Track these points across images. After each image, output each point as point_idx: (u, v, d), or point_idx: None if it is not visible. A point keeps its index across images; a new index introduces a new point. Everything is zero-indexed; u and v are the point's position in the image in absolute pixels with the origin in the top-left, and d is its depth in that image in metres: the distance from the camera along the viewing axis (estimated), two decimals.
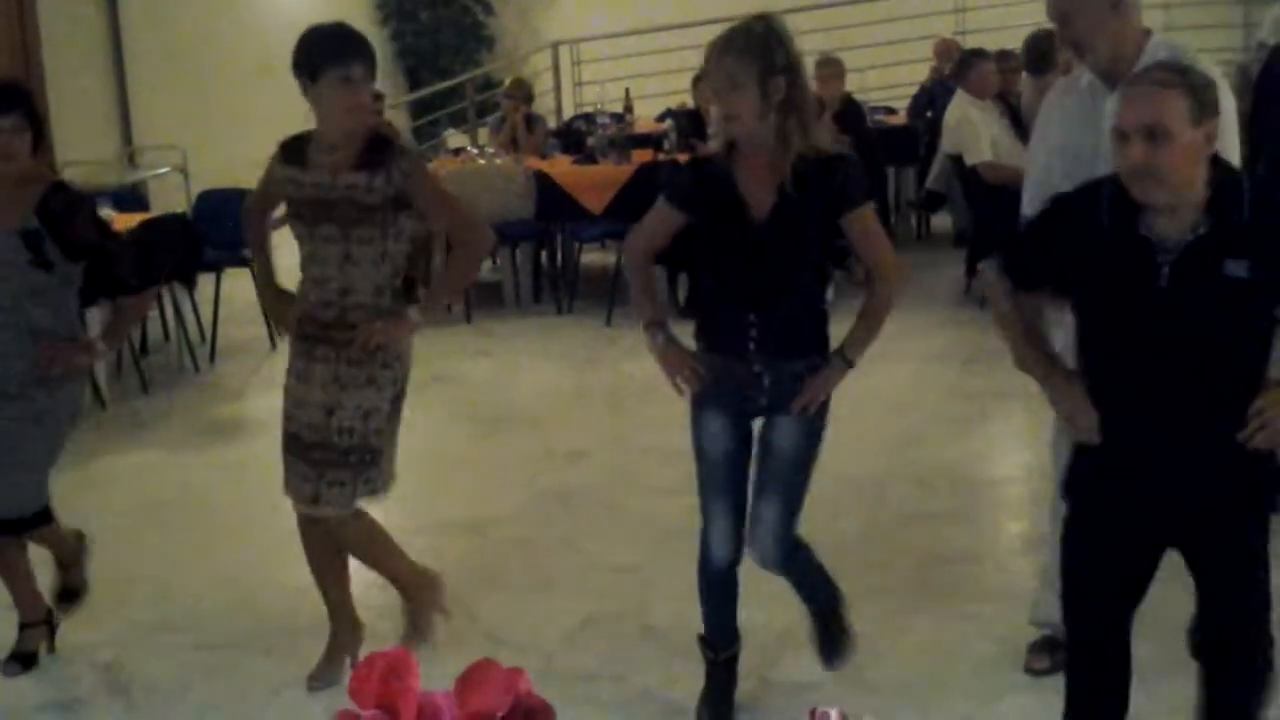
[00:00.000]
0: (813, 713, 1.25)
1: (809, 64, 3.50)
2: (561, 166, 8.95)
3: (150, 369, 7.56)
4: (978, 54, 8.67)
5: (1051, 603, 3.69)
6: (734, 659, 3.65)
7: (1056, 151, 3.51)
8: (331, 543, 3.89)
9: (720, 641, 3.62)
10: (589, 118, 10.82)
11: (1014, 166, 8.15)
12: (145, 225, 7.25)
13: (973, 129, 8.17)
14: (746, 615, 3.66)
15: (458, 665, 1.26)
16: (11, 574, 4.07)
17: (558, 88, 13.39)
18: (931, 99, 10.32)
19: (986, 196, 8.18)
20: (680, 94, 11.08)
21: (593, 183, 8.52)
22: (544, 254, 9.40)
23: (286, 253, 3.98)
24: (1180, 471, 2.74)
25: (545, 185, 8.58)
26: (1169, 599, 3.00)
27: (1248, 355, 2.69)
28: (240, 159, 11.09)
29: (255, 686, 3.95)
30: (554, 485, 5.58)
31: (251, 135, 11.94)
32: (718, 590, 3.58)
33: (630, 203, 8.20)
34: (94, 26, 10.86)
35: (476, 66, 14.17)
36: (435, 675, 1.30)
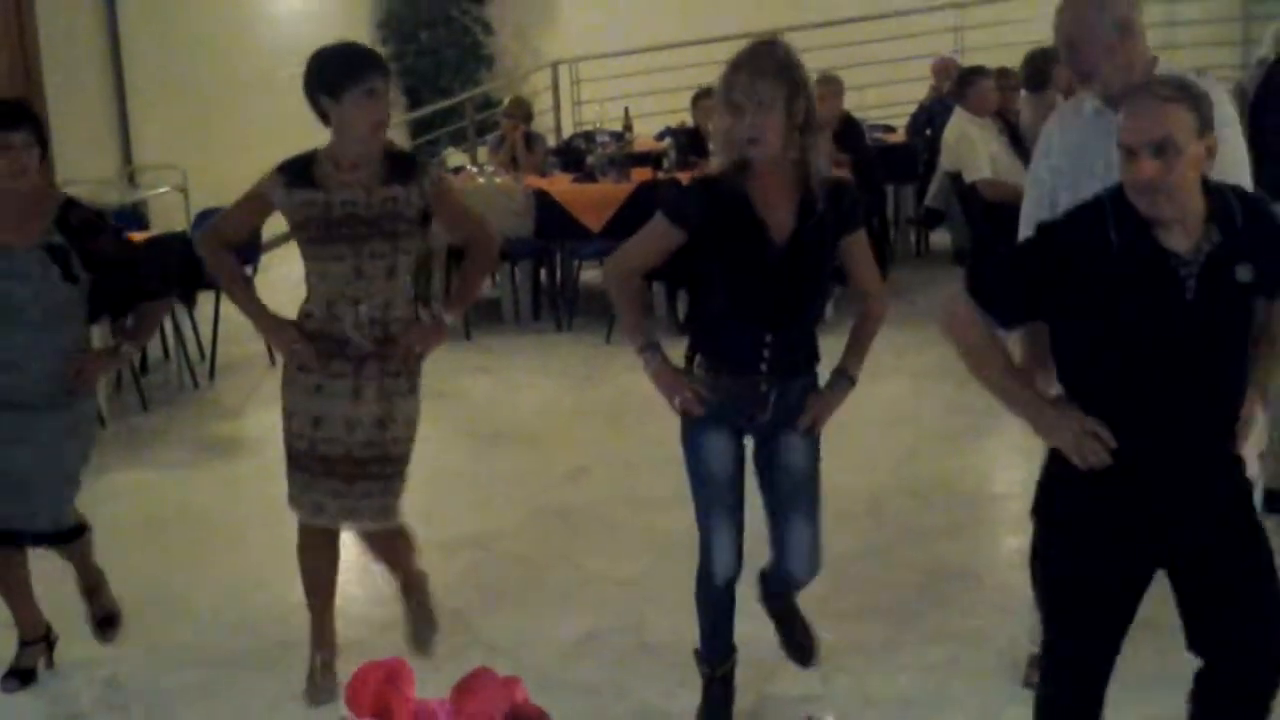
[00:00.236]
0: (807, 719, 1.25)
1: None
2: (561, 185, 8.97)
3: (150, 387, 7.56)
4: (977, 71, 8.69)
5: None
6: (731, 673, 3.66)
7: (1060, 174, 3.48)
8: (336, 561, 3.93)
9: (717, 657, 3.63)
10: (588, 136, 10.84)
11: (1013, 184, 8.17)
12: (146, 244, 7.26)
13: (971, 146, 8.18)
14: (743, 629, 3.66)
15: (456, 678, 1.27)
16: (16, 591, 4.08)
17: (557, 106, 13.41)
18: (930, 117, 10.34)
19: (985, 213, 8.19)
20: (679, 112, 11.10)
21: (592, 201, 8.53)
22: (543, 271, 9.40)
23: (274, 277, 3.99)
24: (1195, 486, 2.71)
25: (545, 203, 8.59)
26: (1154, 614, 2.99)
27: (1245, 359, 2.72)
28: (240, 179, 11.12)
29: (254, 702, 3.95)
30: (554, 501, 5.58)
31: (251, 155, 11.99)
32: (718, 607, 3.59)
33: (629, 221, 8.15)
34: (94, 46, 10.88)
35: (476, 86, 14.19)
36: (433, 687, 1.30)
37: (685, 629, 3.70)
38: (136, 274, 4.02)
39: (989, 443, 6.29)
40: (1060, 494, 2.83)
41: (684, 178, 8.32)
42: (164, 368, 8.14)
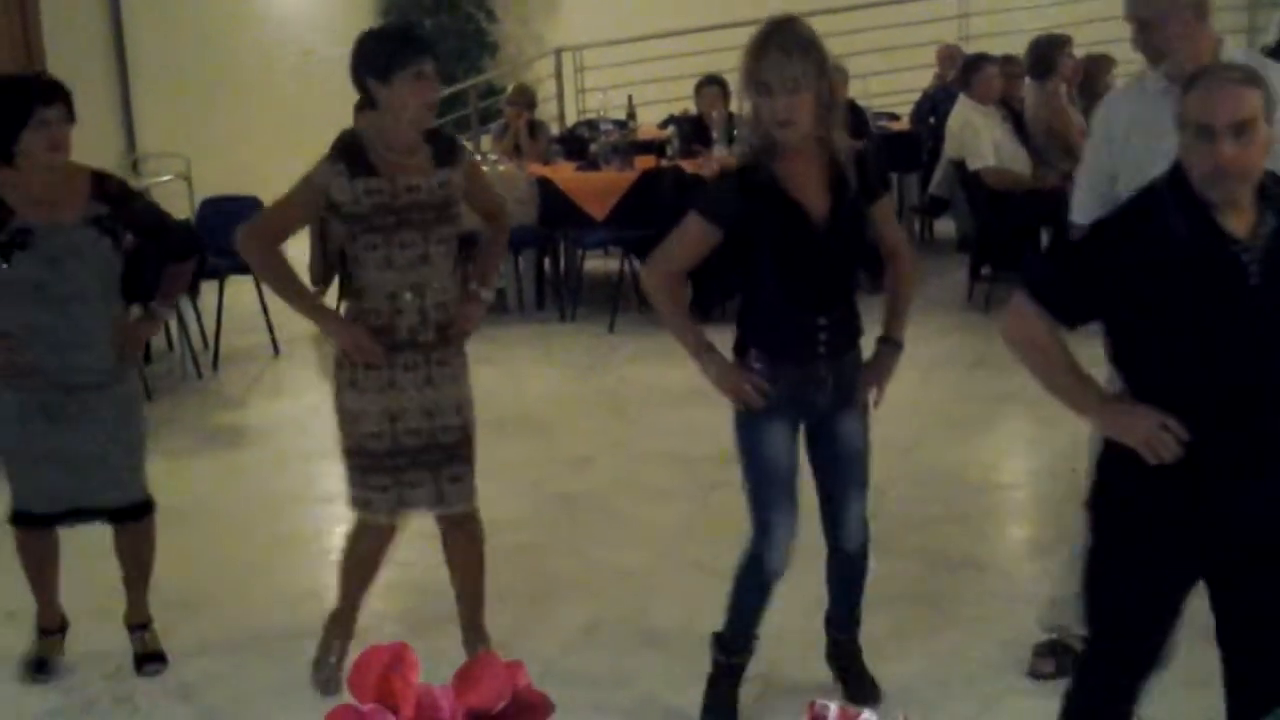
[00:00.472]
0: (812, 705, 1.24)
1: None
2: (564, 173, 8.95)
3: (153, 376, 7.55)
4: (981, 59, 8.69)
5: (1063, 607, 3.67)
6: (745, 665, 3.64)
7: (1120, 154, 3.43)
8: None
9: (739, 646, 3.61)
10: (592, 124, 10.82)
11: (1017, 171, 8.18)
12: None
13: (975, 134, 8.17)
14: None
15: (459, 664, 1.26)
16: (49, 579, 4.09)
17: (560, 94, 13.39)
18: (934, 105, 10.32)
19: (989, 201, 8.19)
20: (683, 100, 11.08)
21: (596, 189, 8.51)
22: (547, 261, 9.40)
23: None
24: (1261, 477, 2.63)
25: (548, 192, 8.58)
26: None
27: None
28: (243, 167, 11.14)
29: (259, 691, 3.95)
30: (557, 491, 5.58)
31: (254, 143, 12.02)
32: (761, 598, 3.55)
33: (633, 209, 8.20)
34: (97, 34, 10.89)
35: (479, 73, 14.16)
36: (437, 673, 1.29)
37: (690, 618, 3.70)
38: (168, 237, 4.07)
39: (995, 432, 6.29)
40: (1120, 489, 2.75)
41: (689, 165, 8.32)
42: (167, 358, 8.14)
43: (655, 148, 9.30)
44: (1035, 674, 3.79)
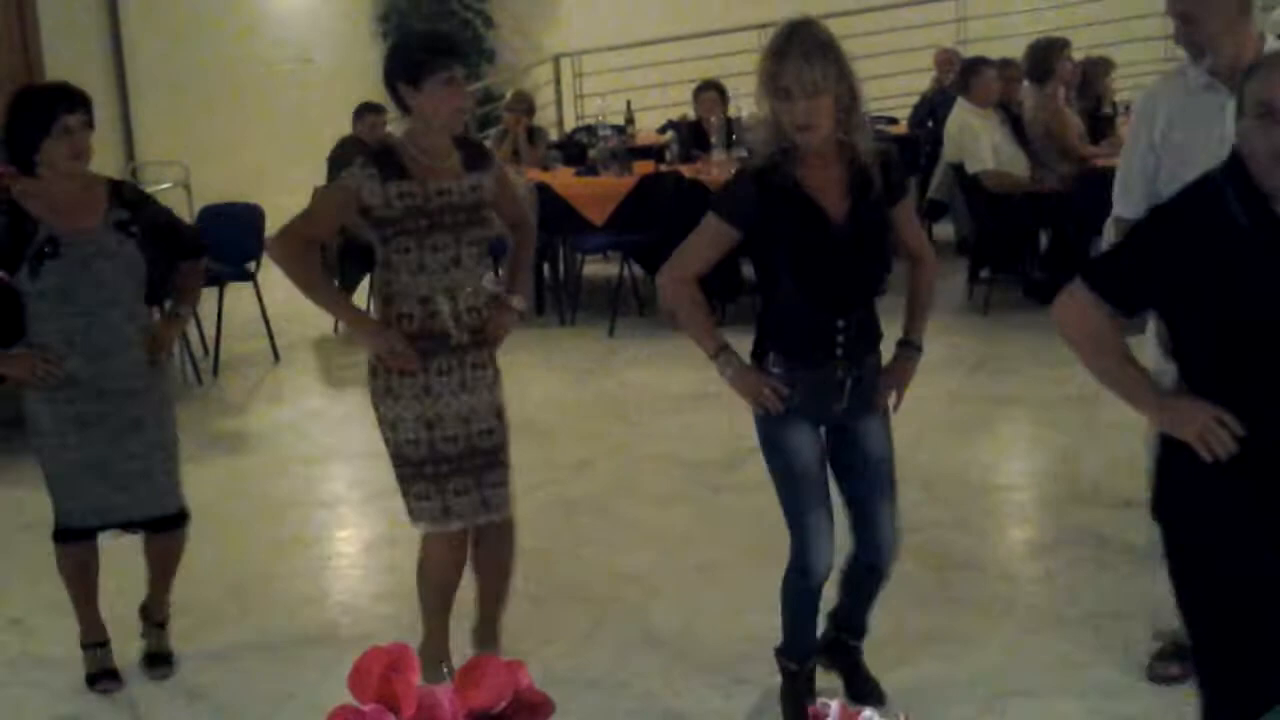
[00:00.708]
0: (813, 705, 1.25)
1: None
2: (563, 178, 8.96)
3: None
4: (979, 62, 8.70)
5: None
6: (814, 671, 3.61)
7: (1162, 149, 3.43)
8: (463, 566, 3.80)
9: (804, 654, 3.57)
10: (590, 130, 10.83)
11: (1015, 174, 8.20)
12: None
13: (974, 137, 8.19)
14: (753, 620, 3.66)
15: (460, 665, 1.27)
16: (91, 590, 4.05)
17: (559, 100, 13.42)
18: (932, 108, 10.33)
19: (988, 204, 8.20)
20: (681, 106, 11.09)
21: (594, 194, 8.53)
22: (546, 266, 9.40)
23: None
24: None
25: (547, 197, 8.58)
26: None
27: None
28: (242, 174, 11.15)
29: (260, 696, 3.95)
30: (558, 494, 5.58)
31: (253, 151, 12.03)
32: (811, 604, 3.50)
33: (632, 214, 8.21)
34: (96, 42, 10.90)
35: (478, 79, 14.18)
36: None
37: (689, 621, 3.70)
38: (180, 237, 4.12)
39: (996, 434, 6.29)
40: (1185, 492, 2.68)
41: (687, 170, 8.34)
42: (168, 364, 8.12)
43: (654, 153, 9.31)
44: (1162, 677, 3.67)
